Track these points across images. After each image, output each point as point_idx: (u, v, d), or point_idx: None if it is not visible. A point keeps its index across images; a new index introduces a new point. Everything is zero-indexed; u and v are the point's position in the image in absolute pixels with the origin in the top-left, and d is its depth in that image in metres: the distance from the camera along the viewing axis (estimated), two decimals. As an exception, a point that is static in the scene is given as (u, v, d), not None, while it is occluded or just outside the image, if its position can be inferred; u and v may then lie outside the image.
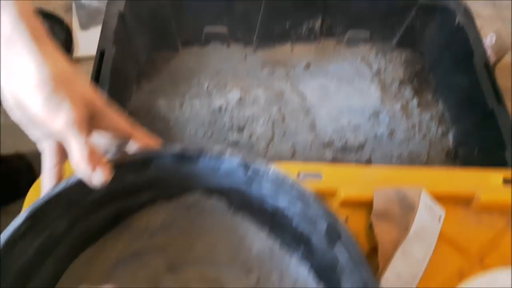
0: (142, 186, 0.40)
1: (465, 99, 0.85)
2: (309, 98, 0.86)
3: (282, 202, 0.39)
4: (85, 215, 0.38)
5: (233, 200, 0.44)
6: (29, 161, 1.00)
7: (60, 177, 0.36)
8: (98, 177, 0.32)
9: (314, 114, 0.85)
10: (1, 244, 0.31)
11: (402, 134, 0.86)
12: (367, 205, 0.57)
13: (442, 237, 0.58)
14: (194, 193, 0.43)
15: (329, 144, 0.83)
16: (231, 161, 0.37)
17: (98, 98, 0.34)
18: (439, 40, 0.90)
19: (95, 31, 1.21)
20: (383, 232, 0.54)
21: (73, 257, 0.41)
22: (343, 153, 0.82)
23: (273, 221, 0.44)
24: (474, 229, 0.60)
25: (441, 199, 0.56)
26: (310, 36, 0.93)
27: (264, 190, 0.39)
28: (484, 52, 0.79)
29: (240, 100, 0.84)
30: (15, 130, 1.12)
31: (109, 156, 0.36)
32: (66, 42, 1.33)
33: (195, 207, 0.45)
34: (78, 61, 1.31)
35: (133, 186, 0.39)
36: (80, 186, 0.34)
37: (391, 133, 0.86)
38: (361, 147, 0.84)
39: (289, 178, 0.36)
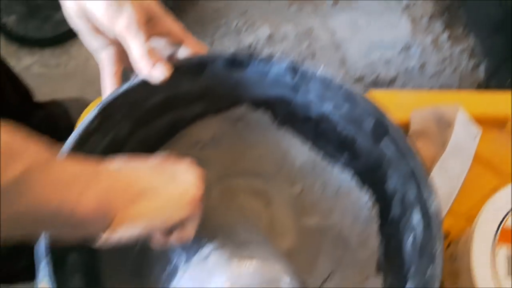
0: (195, 96, 0.42)
1: (497, 31, 0.83)
2: (338, 33, 0.86)
3: (328, 106, 0.41)
4: (145, 121, 0.40)
5: (278, 113, 0.46)
6: (65, 107, 1.03)
7: (119, 83, 0.38)
8: (158, 72, 0.34)
9: (344, 50, 0.85)
10: (78, 134, 0.33)
11: (433, 68, 0.86)
12: (403, 127, 0.58)
13: (477, 158, 0.59)
14: (240, 107, 0.45)
15: (360, 79, 0.83)
16: (279, 65, 0.38)
17: (155, 4, 0.36)
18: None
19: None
20: (421, 151, 0.56)
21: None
22: (375, 87, 0.83)
23: (317, 131, 0.46)
24: (508, 150, 0.60)
25: (477, 120, 0.57)
26: (338, -28, 0.92)
27: (311, 95, 0.41)
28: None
29: (270, 37, 0.85)
30: (50, 79, 1.16)
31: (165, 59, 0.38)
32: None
33: (242, 121, 0.47)
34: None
35: (186, 95, 0.41)
36: (142, 87, 0.36)
37: (422, 67, 0.86)
38: (392, 81, 0.84)
39: (336, 77, 0.37)
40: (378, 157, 0.39)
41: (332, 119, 0.42)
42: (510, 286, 0.40)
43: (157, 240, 0.33)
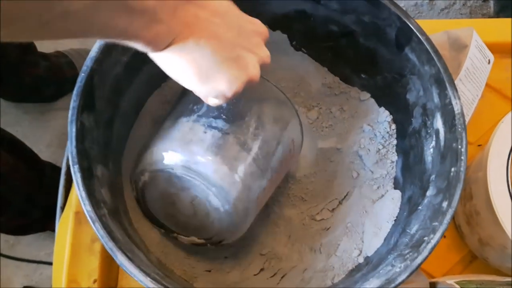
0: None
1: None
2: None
3: (350, 17, 0.40)
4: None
5: (296, 34, 0.46)
6: (69, 58, 1.02)
7: None
8: None
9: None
10: (101, 42, 0.33)
11: (442, 2, 0.84)
12: None
13: (489, 86, 0.59)
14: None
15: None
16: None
17: None
18: None
19: None
20: None
21: (153, 87, 0.44)
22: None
23: (336, 51, 0.45)
24: (520, 78, 0.60)
25: (489, 48, 0.56)
26: None
27: (333, 5, 0.40)
28: None
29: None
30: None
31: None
32: None
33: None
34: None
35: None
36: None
37: (431, 1, 0.84)
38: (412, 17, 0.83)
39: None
40: (400, 66, 0.39)
41: (354, 31, 0.41)
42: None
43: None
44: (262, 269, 0.43)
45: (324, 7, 0.40)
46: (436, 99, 0.36)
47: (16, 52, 0.90)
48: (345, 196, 0.48)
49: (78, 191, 0.31)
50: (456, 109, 0.33)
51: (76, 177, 0.31)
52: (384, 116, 0.46)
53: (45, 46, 1.04)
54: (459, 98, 0.34)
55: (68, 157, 0.32)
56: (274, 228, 0.47)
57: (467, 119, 0.55)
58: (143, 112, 0.45)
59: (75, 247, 0.46)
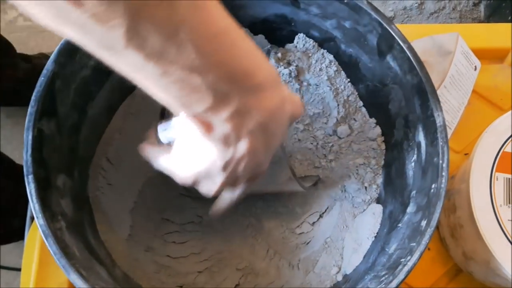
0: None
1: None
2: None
3: (331, 23, 0.39)
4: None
5: (278, 38, 0.44)
6: None
7: None
8: None
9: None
10: (62, 44, 0.31)
11: (432, 6, 0.83)
12: None
13: (476, 93, 0.58)
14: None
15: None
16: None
17: None
18: None
19: None
20: None
21: (126, 90, 0.42)
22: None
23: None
24: (508, 85, 0.59)
25: (476, 54, 0.55)
26: None
27: (313, 10, 0.38)
28: None
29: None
30: (37, 31, 1.12)
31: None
32: None
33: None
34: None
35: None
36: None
37: (421, 5, 0.83)
38: (390, 19, 0.81)
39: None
40: (382, 74, 0.37)
41: (335, 37, 0.40)
42: (508, 215, 0.40)
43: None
44: (237, 285, 0.41)
45: (305, 11, 0.39)
46: (418, 110, 0.34)
47: None
48: (326, 210, 0.46)
49: (31, 203, 0.28)
50: (438, 121, 0.32)
51: (30, 187, 0.29)
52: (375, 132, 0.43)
53: (29, 48, 1.02)
54: (441, 110, 0.32)
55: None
56: (252, 240, 0.45)
57: (452, 127, 0.53)
58: (115, 117, 0.43)
59: (43, 260, 0.44)
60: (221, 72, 0.22)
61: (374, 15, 0.34)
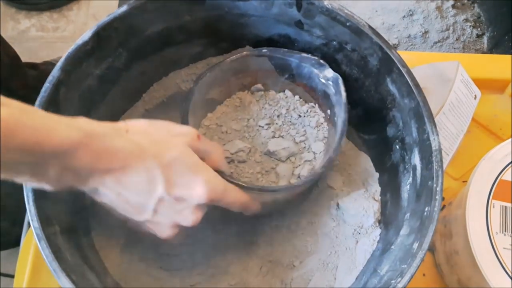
0: (195, 31, 0.40)
1: (502, 1, 0.82)
2: (342, -4, 0.84)
3: (333, 45, 0.40)
4: (143, 53, 0.39)
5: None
6: None
7: None
8: None
9: (347, 13, 0.84)
10: (70, 54, 0.32)
11: (436, 36, 0.85)
12: None
13: (476, 122, 0.58)
14: (242, 51, 0.43)
15: (361, 43, 0.82)
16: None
17: None
18: None
19: None
20: None
21: (128, 101, 0.42)
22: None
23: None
24: (508, 115, 0.60)
25: (477, 84, 0.55)
26: None
27: (316, 31, 0.39)
28: None
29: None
30: (48, 42, 1.15)
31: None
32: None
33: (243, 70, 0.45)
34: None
35: (187, 29, 0.40)
36: (140, 11, 0.35)
37: (425, 34, 0.84)
38: (394, 47, 0.83)
39: (344, 8, 0.36)
40: (381, 97, 0.38)
41: (336, 59, 0.40)
42: (503, 243, 0.40)
43: None
44: (228, 301, 0.41)
45: (308, 33, 0.40)
46: (414, 133, 0.35)
47: (6, 71, 0.89)
48: (322, 229, 0.46)
49: (27, 206, 0.29)
50: (434, 145, 0.32)
51: (27, 190, 0.29)
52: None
53: (40, 57, 1.04)
54: (437, 135, 0.33)
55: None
56: (246, 257, 0.45)
57: (450, 154, 0.53)
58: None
59: (36, 265, 0.44)
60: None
61: (375, 38, 0.35)
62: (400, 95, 0.36)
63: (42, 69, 0.98)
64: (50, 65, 1.01)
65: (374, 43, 0.36)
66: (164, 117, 0.35)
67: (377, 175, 0.42)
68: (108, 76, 0.38)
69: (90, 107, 0.38)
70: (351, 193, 0.42)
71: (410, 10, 0.85)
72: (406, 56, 0.59)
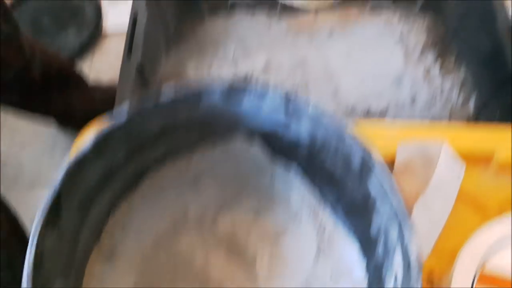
0: (192, 126, 0.43)
1: (487, 64, 0.85)
2: (332, 64, 0.88)
3: (317, 144, 0.42)
4: (141, 150, 0.41)
5: (271, 146, 0.47)
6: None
7: None
8: None
9: (337, 80, 0.87)
10: (74, 161, 0.35)
11: (424, 101, 0.88)
12: (389, 160, 0.58)
13: (462, 195, 0.59)
14: (236, 141, 0.46)
15: (351, 111, 0.85)
16: (273, 101, 0.40)
17: None
18: (463, 3, 0.91)
19: (124, 7, 1.25)
20: (404, 186, 0.56)
21: (125, 193, 0.45)
22: (365, 119, 0.85)
23: (307, 167, 0.47)
24: (493, 188, 0.60)
25: (462, 155, 0.57)
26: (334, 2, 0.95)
27: (302, 132, 0.42)
28: (507, 16, 0.80)
29: (266, 66, 0.87)
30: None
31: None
32: (96, 19, 1.37)
33: (237, 156, 0.47)
34: (107, 37, 1.36)
35: (184, 125, 0.43)
36: (140, 117, 0.37)
37: (413, 99, 0.87)
38: (383, 112, 0.86)
39: (327, 113, 0.39)
40: (363, 197, 0.40)
41: (320, 156, 0.43)
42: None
43: None
44: None
45: (294, 132, 0.42)
46: (394, 235, 0.36)
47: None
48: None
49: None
50: (411, 252, 0.34)
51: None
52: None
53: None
54: (416, 238, 0.34)
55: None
56: None
57: (436, 236, 0.53)
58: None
59: None
60: None
61: (356, 142, 0.38)
62: (381, 197, 0.38)
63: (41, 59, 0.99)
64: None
65: (355, 147, 0.38)
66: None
67: None
68: (107, 174, 0.40)
69: (89, 206, 0.40)
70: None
71: (398, 76, 0.89)
72: (393, 126, 0.61)
